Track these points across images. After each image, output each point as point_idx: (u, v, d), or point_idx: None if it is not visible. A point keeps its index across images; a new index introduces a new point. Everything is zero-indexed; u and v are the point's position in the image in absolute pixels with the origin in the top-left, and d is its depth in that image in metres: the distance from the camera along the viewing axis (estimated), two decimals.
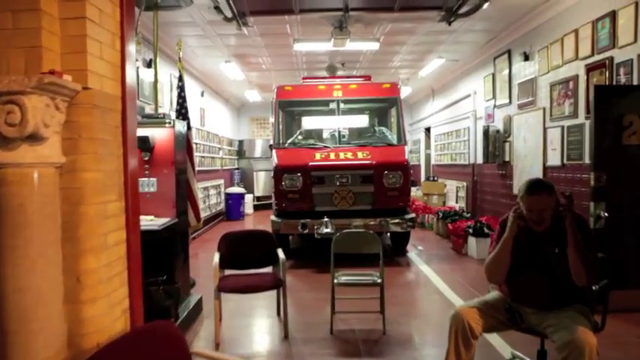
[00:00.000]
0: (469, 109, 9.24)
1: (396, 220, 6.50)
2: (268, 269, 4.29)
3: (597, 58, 5.15)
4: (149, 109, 6.23)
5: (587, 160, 5.37)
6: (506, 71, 7.54)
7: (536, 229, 2.66)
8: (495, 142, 7.83)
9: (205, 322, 4.31)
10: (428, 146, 12.95)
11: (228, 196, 11.59)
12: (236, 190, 11.94)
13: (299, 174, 6.56)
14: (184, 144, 4.59)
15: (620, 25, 4.77)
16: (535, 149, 6.58)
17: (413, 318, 4.42)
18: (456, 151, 10.25)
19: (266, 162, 14.10)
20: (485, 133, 7.79)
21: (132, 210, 2.25)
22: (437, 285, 5.36)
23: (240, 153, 14.16)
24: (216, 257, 4.07)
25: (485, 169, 8.47)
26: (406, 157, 6.83)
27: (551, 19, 6.11)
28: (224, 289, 3.79)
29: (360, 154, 6.79)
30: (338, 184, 6.54)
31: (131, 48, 2.34)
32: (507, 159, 7.55)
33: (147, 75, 6.55)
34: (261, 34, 7.00)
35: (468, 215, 8.45)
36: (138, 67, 6.34)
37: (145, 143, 3.88)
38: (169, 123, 4.20)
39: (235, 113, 14.60)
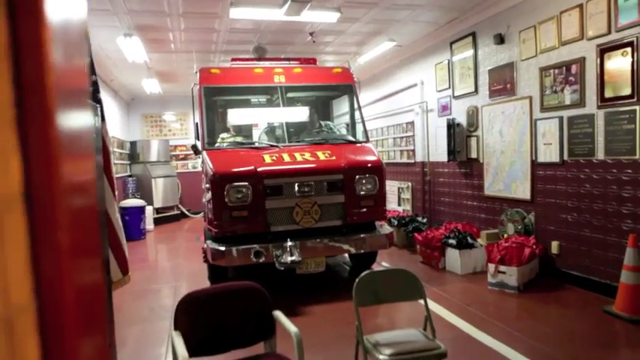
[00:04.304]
0: (415, 100, 8.31)
1: (376, 237, 5.20)
2: (259, 347, 2.66)
3: (617, 36, 4.38)
4: None
5: (600, 156, 4.62)
6: (468, 57, 6.69)
7: None
8: (456, 137, 6.95)
9: None
10: None
11: (125, 210, 9.25)
12: (133, 202, 9.62)
13: (247, 183, 4.90)
14: (99, 146, 2.72)
15: None
16: (517, 144, 5.76)
17: None
18: (395, 148, 9.31)
19: (165, 167, 11.90)
20: (450, 127, 6.85)
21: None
22: (460, 327, 4.09)
23: (133, 157, 11.70)
24: (179, 342, 2.33)
25: (441, 168, 7.58)
26: (379, 157, 5.54)
27: None
28: None
29: (321, 155, 5.33)
30: (299, 194, 5.02)
31: None
32: (474, 156, 6.70)
33: None
34: None
35: (425, 220, 7.51)
36: None
37: None
38: None
39: (125, 109, 12.06)
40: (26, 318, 0.44)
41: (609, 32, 4.46)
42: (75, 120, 0.58)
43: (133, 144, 11.77)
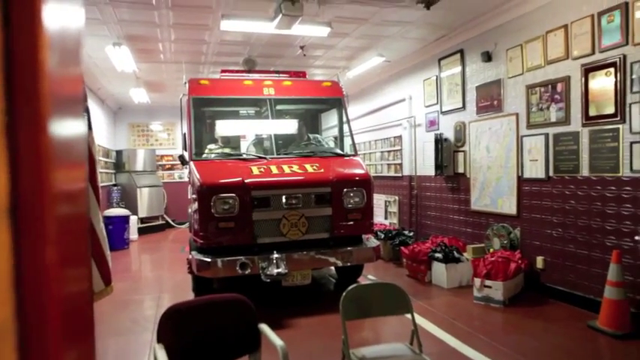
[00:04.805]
0: (403, 115, 8.39)
1: (363, 251, 5.19)
2: None
3: (601, 56, 4.49)
4: None
5: (585, 172, 4.70)
6: (456, 73, 6.79)
7: None
8: (444, 152, 7.02)
9: None
10: None
11: (108, 220, 9.11)
12: (118, 212, 9.49)
13: (234, 195, 4.86)
14: (85, 154, 2.68)
15: (638, 19, 4.13)
16: (504, 160, 5.84)
17: None
18: (382, 162, 9.36)
19: (151, 176, 11.79)
20: (438, 142, 6.92)
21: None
22: (446, 341, 4.07)
23: (119, 166, 11.58)
24: (162, 355, 2.28)
25: (428, 182, 7.64)
26: (367, 170, 5.56)
27: (525, 16, 5.42)
28: None
29: (309, 168, 5.33)
30: (286, 207, 5.00)
31: None
32: (461, 171, 6.77)
33: None
34: (174, 5, 5.15)
35: (411, 234, 7.52)
36: None
37: None
38: None
39: (111, 118, 11.97)
40: (7, 338, 0.43)
41: (593, 52, 4.57)
42: (69, 128, 0.57)
43: (119, 153, 11.66)
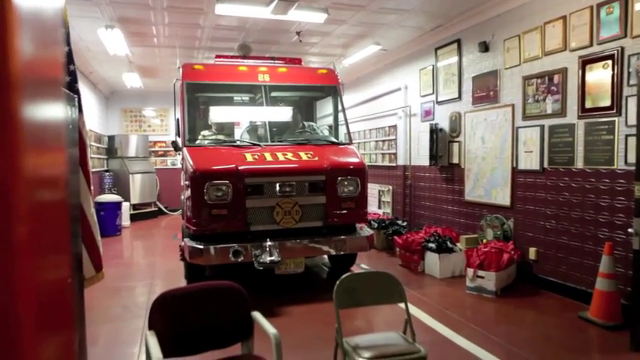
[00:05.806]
0: (398, 104, 8.34)
1: (356, 239, 5.17)
2: (236, 348, 2.60)
3: (599, 48, 4.46)
4: None
5: (579, 165, 4.70)
6: (452, 63, 6.74)
7: None
8: (439, 142, 7.00)
9: None
10: None
11: (100, 206, 9.03)
12: (109, 198, 9.42)
13: (228, 182, 4.82)
14: (75, 138, 2.63)
15: (637, 11, 4.10)
16: (499, 151, 5.82)
17: None
18: (377, 151, 9.32)
19: (143, 163, 11.69)
20: (433, 132, 6.90)
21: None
22: (439, 330, 4.09)
23: (111, 151, 11.45)
24: (153, 342, 2.26)
25: (423, 172, 7.62)
26: (361, 159, 5.53)
27: (523, 6, 5.36)
28: None
29: (303, 155, 5.29)
30: (280, 194, 4.96)
31: None
32: (455, 161, 6.75)
33: None
34: None
35: (405, 224, 7.52)
36: None
37: None
38: None
39: (104, 103, 11.81)
40: None
41: (591, 44, 4.54)
42: (44, 111, 0.53)
43: (111, 138, 11.53)
